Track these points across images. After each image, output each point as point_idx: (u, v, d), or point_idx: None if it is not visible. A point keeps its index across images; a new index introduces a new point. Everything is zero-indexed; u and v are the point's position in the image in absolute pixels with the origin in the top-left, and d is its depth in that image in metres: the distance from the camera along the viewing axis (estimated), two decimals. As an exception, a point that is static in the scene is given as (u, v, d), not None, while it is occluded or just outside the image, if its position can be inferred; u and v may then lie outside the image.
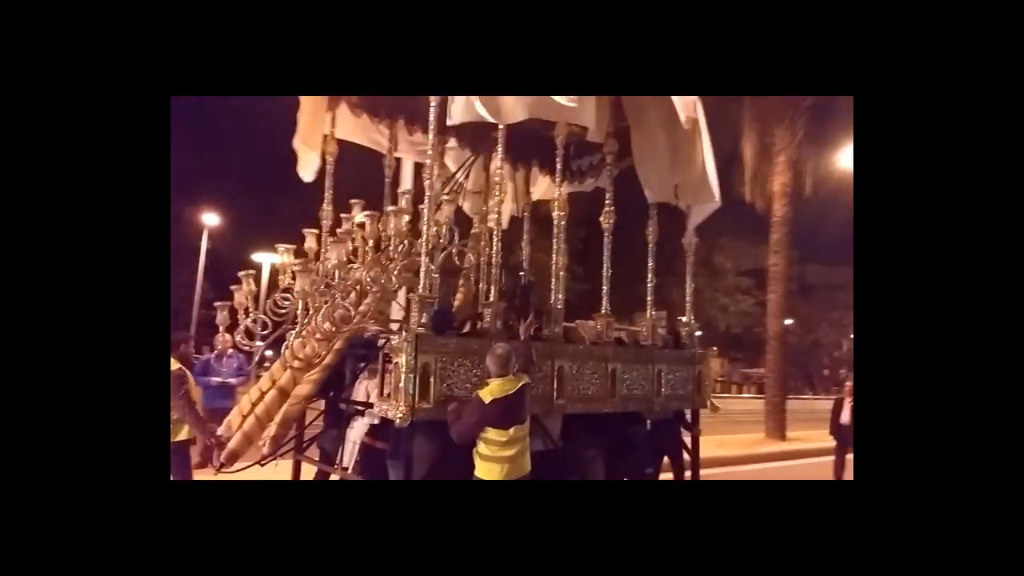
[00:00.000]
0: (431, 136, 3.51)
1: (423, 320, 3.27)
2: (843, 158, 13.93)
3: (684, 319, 4.80)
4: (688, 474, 4.75)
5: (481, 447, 3.05)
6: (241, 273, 4.01)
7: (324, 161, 4.57)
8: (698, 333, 5.02)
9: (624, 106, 4.20)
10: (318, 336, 3.16)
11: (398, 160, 5.01)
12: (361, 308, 3.45)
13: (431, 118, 3.52)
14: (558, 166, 4.10)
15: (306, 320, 3.51)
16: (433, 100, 3.54)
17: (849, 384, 7.83)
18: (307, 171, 4.54)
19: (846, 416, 7.15)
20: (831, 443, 7.59)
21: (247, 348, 4.04)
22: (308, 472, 4.43)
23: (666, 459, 4.64)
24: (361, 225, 4.03)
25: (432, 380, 3.24)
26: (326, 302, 3.19)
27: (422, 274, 3.33)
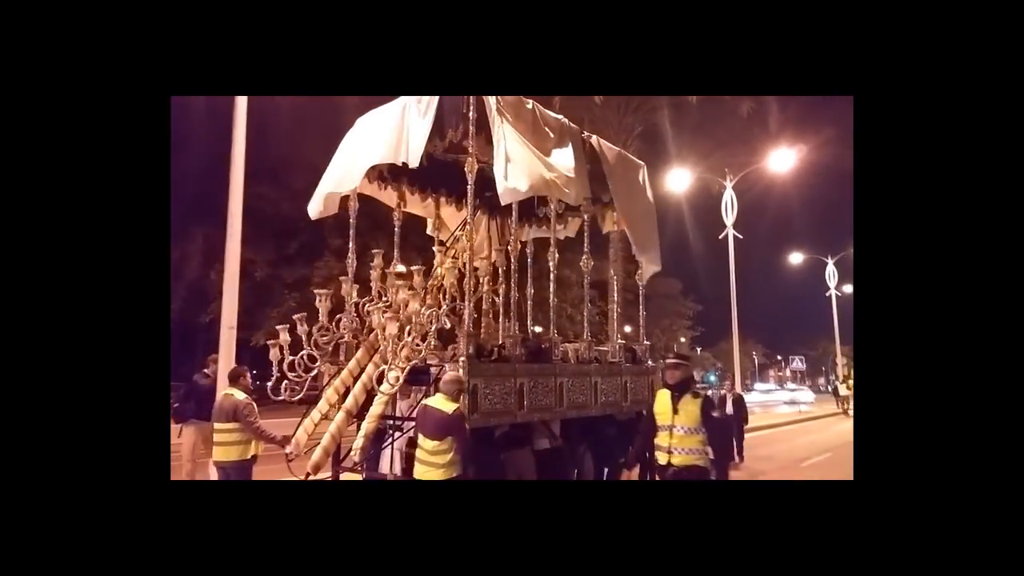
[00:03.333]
0: (469, 205, 5.00)
1: (470, 351, 4.77)
2: (671, 180, 17.34)
3: (641, 341, 6.71)
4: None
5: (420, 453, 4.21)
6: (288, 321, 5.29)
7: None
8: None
9: (593, 177, 5.96)
10: (401, 365, 4.55)
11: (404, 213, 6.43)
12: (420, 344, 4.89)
13: (469, 183, 4.95)
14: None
15: (375, 353, 4.88)
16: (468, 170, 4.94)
17: (728, 382, 12.58)
18: (316, 214, 5.86)
19: (729, 407, 10.84)
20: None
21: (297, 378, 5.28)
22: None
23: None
24: (403, 275, 5.42)
25: (478, 396, 4.75)
26: (407, 342, 4.60)
27: (466, 314, 4.82)
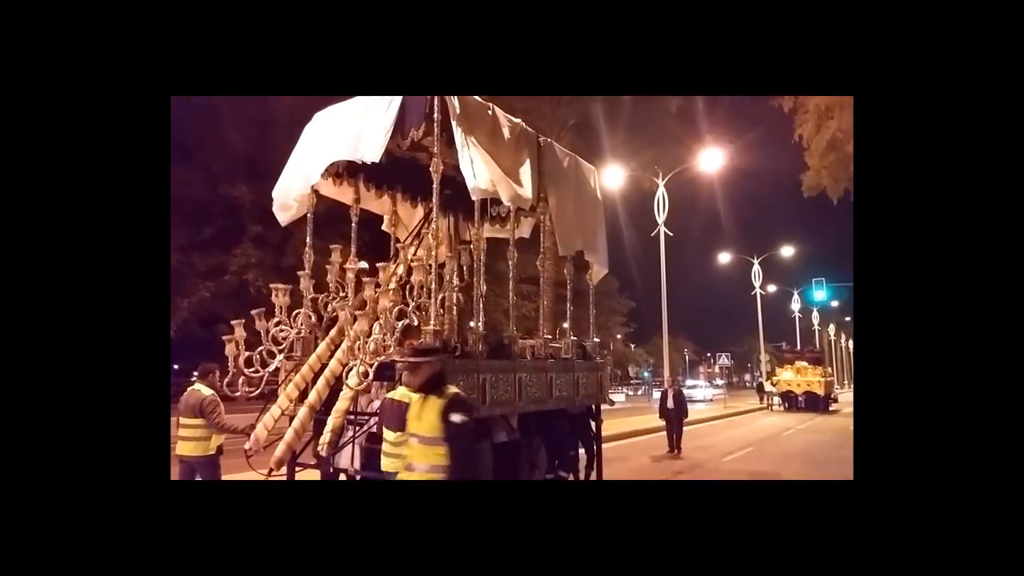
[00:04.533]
0: (436, 205, 5.32)
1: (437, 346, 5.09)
2: (606, 176, 18.52)
3: (591, 338, 7.23)
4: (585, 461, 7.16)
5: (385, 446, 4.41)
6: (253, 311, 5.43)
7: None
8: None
9: (544, 180, 6.38)
10: (369, 361, 4.81)
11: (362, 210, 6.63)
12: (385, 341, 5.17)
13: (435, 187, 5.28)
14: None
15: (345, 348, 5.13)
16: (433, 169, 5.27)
17: (669, 377, 14.20)
18: (285, 219, 6.02)
19: (671, 402, 12.19)
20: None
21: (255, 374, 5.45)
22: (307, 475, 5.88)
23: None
24: (367, 271, 5.66)
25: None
26: (376, 338, 4.87)
27: (432, 312, 5.14)
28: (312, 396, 5.22)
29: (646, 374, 32.59)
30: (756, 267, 32.33)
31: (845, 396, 36.25)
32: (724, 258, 34.16)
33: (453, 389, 3.84)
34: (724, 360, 48.26)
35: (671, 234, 22.33)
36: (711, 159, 22.29)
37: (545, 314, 6.52)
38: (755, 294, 32.59)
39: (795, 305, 42.14)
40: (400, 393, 4.54)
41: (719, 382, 48.65)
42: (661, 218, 21.95)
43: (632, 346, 41.86)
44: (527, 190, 5.68)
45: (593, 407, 7.12)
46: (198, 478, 5.32)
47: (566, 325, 10.94)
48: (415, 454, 3.70)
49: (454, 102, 5.02)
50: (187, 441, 5.23)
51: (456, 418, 3.58)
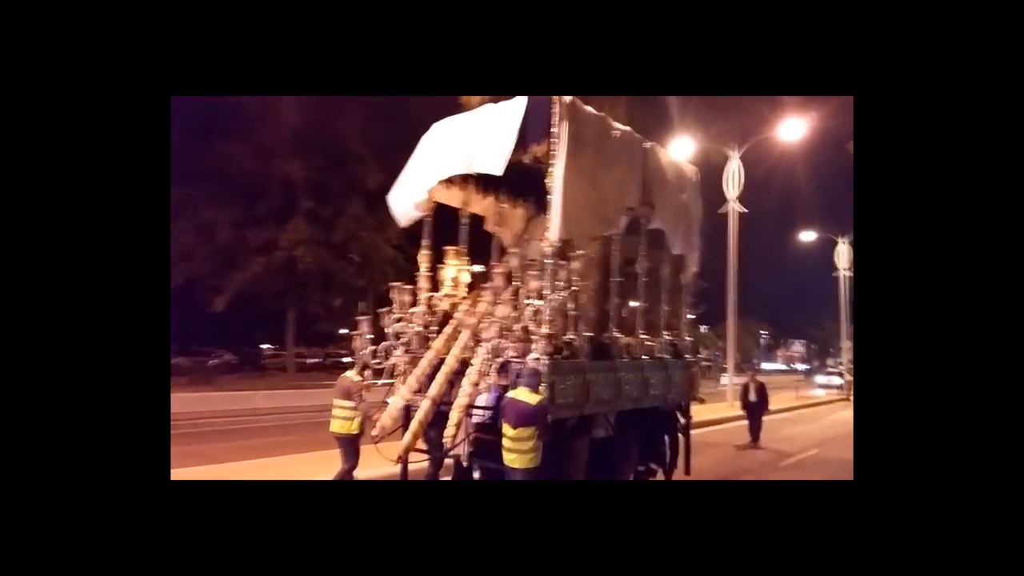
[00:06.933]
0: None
1: (548, 350, 6.00)
2: (674, 149, 18.63)
3: (682, 337, 8.10)
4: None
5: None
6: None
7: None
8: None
9: (648, 185, 7.16)
10: (491, 360, 5.79)
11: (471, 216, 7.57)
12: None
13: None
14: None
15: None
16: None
17: (752, 372, 15.12)
18: (405, 222, 7.02)
19: (753, 395, 13.23)
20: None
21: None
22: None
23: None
24: (481, 276, 6.63)
25: (555, 391, 6.01)
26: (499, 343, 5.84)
27: (545, 317, 6.03)
28: (433, 389, 6.23)
29: (717, 356, 32.94)
30: (840, 246, 32.28)
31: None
32: (807, 237, 34.13)
33: None
34: (797, 346, 48.24)
35: (745, 211, 22.56)
36: (792, 128, 22.15)
37: (640, 313, 7.36)
38: (837, 276, 32.58)
39: (883, 288, 41.28)
40: (522, 393, 5.49)
41: (799, 367, 48.62)
42: (734, 193, 22.14)
43: (703, 328, 42.26)
44: (619, 213, 6.50)
45: (683, 403, 8.00)
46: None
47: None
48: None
49: (564, 121, 5.72)
50: (337, 419, 6.52)
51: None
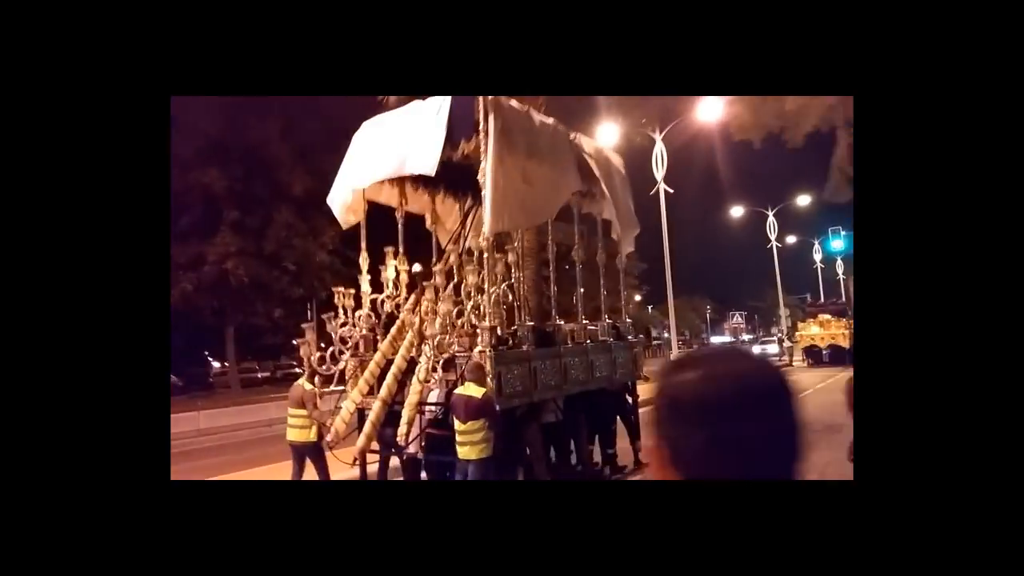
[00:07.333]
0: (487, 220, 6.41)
1: (491, 342, 6.24)
2: (600, 135, 18.51)
3: (623, 318, 8.44)
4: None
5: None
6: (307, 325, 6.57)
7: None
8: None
9: (581, 173, 7.46)
10: (437, 356, 5.97)
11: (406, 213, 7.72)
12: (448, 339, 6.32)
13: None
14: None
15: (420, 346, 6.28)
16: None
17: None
18: (347, 223, 7.14)
19: None
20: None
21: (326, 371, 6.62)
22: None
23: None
24: (421, 274, 6.80)
25: (502, 381, 6.26)
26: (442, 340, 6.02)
27: (486, 310, 6.27)
28: (383, 391, 6.39)
29: (666, 335, 33.96)
30: (771, 219, 33.57)
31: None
32: (737, 212, 35.34)
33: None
34: (737, 318, 49.86)
35: (671, 191, 23.20)
36: (709, 109, 22.73)
37: (580, 298, 7.66)
38: (771, 247, 33.90)
39: (817, 256, 43.26)
40: (468, 388, 5.72)
41: (744, 338, 50.29)
42: (660, 174, 22.76)
43: (649, 308, 43.40)
44: (555, 202, 6.76)
45: (629, 383, 8.35)
46: (308, 462, 6.55)
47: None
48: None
49: (490, 117, 5.95)
50: (293, 428, 6.51)
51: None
